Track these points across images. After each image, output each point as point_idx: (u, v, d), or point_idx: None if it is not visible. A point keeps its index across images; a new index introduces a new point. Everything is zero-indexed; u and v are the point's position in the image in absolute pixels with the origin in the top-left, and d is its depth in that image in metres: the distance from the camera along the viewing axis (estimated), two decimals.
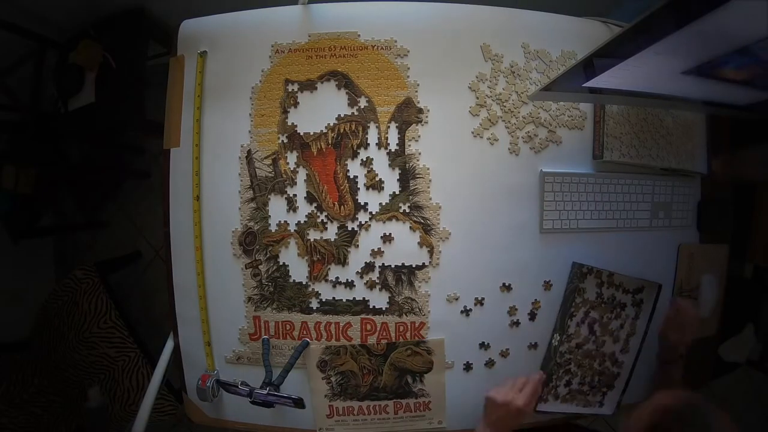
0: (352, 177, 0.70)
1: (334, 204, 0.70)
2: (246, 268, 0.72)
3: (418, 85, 0.70)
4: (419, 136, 0.70)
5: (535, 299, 0.73)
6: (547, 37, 0.73)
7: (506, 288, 0.72)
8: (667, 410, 0.50)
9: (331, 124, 0.70)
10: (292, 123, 0.71)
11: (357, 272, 0.71)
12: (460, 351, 0.73)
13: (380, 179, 0.70)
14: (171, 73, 0.76)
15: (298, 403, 0.62)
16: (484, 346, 0.73)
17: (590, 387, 0.77)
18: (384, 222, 0.70)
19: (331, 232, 0.71)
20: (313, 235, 0.71)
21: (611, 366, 0.77)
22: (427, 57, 0.70)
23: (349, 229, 0.70)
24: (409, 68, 0.70)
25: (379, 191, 0.70)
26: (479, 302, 0.72)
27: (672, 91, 0.62)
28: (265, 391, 0.59)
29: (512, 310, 0.73)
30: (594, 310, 0.74)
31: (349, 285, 0.71)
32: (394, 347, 0.72)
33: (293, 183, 0.71)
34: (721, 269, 0.82)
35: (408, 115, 0.70)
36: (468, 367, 0.73)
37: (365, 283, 0.71)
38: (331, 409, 0.74)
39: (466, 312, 0.72)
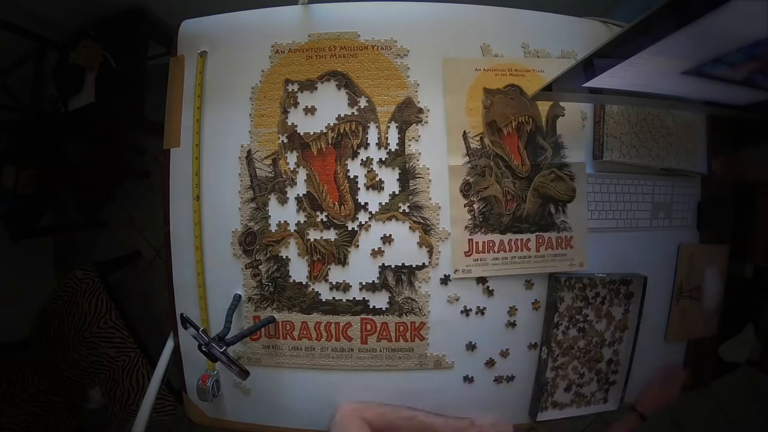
0: (352, 177, 0.70)
1: (334, 204, 0.70)
2: (246, 268, 0.72)
3: (418, 85, 0.70)
4: (419, 136, 0.70)
5: (535, 299, 0.73)
6: (547, 37, 0.73)
7: (505, 288, 0.72)
8: None
9: (331, 124, 0.70)
10: (292, 123, 0.71)
11: (357, 272, 0.71)
12: (460, 350, 0.73)
13: (380, 179, 0.70)
14: (171, 73, 0.76)
15: (243, 374, 0.62)
16: (484, 346, 0.73)
17: (590, 386, 0.77)
18: (384, 222, 0.70)
19: (331, 232, 0.71)
20: (313, 235, 0.71)
21: (608, 362, 0.77)
22: (427, 57, 0.70)
23: (350, 229, 0.71)
24: (409, 68, 0.70)
25: (379, 191, 0.70)
26: (479, 302, 0.72)
27: (672, 91, 0.62)
28: (221, 349, 0.60)
29: (512, 310, 0.73)
30: (579, 313, 0.74)
31: (349, 285, 0.71)
32: (538, 169, 0.71)
33: (293, 183, 0.71)
34: (721, 269, 0.82)
35: (408, 115, 0.70)
36: (473, 362, 0.73)
37: (365, 283, 0.71)
38: (471, 245, 0.70)
39: (466, 312, 0.72)
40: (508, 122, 0.72)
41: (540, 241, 0.71)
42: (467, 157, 0.71)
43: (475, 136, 0.72)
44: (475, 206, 0.69)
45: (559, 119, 0.74)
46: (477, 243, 0.70)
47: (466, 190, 0.69)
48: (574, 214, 0.72)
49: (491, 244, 0.70)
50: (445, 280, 0.71)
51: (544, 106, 0.74)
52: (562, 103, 0.73)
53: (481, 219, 0.70)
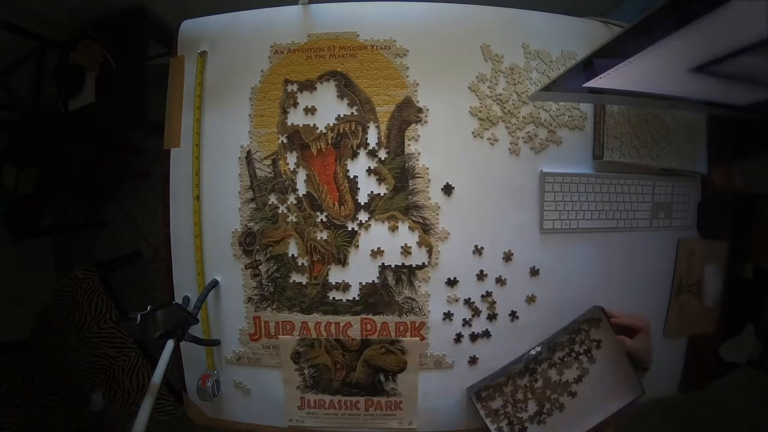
0: (351, 177, 0.70)
1: (334, 204, 0.70)
2: (246, 269, 0.72)
3: (417, 84, 0.70)
4: (419, 136, 0.70)
5: (535, 300, 0.73)
6: (548, 37, 0.73)
7: (505, 288, 0.72)
8: None
9: (331, 124, 0.70)
10: (292, 123, 0.71)
11: (357, 272, 0.71)
12: (460, 350, 0.73)
13: (380, 179, 0.70)
14: (171, 73, 0.76)
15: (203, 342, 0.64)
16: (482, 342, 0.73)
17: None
18: (383, 222, 0.70)
19: (332, 232, 0.71)
20: (313, 235, 0.71)
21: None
22: (426, 57, 0.70)
23: (349, 229, 0.70)
24: (408, 68, 0.70)
25: (378, 191, 0.70)
26: (479, 303, 0.72)
27: (673, 90, 0.62)
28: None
29: (512, 310, 0.73)
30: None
31: (349, 285, 0.71)
32: (368, 344, 0.72)
33: (293, 183, 0.71)
34: (721, 265, 0.82)
35: (408, 114, 0.70)
36: (473, 360, 0.73)
37: (365, 283, 0.71)
38: (303, 401, 0.74)
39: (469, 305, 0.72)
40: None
41: (369, 403, 0.74)
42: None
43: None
44: (306, 371, 0.73)
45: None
46: (309, 400, 0.74)
47: (296, 357, 0.73)
48: (405, 383, 0.73)
49: (322, 402, 0.74)
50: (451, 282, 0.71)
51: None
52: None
53: (311, 382, 0.73)
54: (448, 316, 0.72)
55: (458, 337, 0.72)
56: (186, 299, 0.74)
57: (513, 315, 0.73)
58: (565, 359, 0.72)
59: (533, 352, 0.72)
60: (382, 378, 0.73)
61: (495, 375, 0.72)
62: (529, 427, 0.72)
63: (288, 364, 0.73)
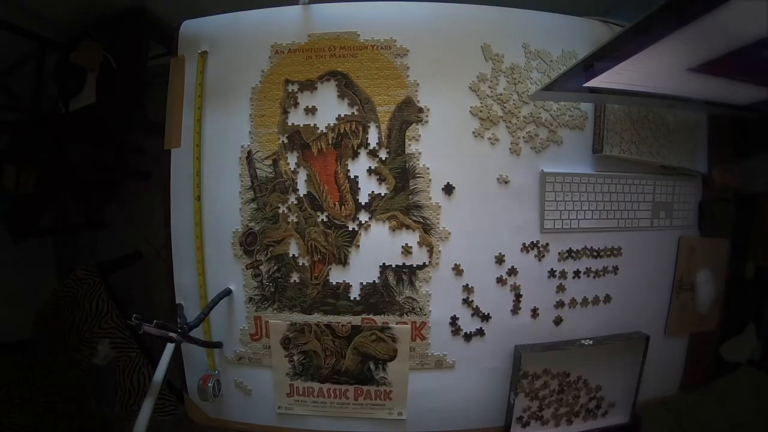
0: (352, 177, 0.70)
1: (335, 204, 0.70)
2: (247, 269, 0.72)
3: (418, 84, 0.70)
4: (419, 136, 0.70)
5: (536, 299, 0.73)
6: (548, 36, 0.73)
7: (506, 288, 0.72)
8: None
9: (331, 124, 0.70)
10: (293, 123, 0.71)
11: (358, 272, 0.71)
12: (461, 350, 0.73)
13: (380, 179, 0.70)
14: (172, 74, 0.76)
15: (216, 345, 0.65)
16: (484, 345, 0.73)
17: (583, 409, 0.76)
18: (384, 222, 0.70)
19: (332, 232, 0.71)
20: (313, 235, 0.71)
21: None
22: (427, 57, 0.70)
23: (350, 229, 0.70)
24: (408, 68, 0.70)
25: (379, 191, 0.70)
26: (479, 302, 0.72)
27: (673, 90, 0.62)
28: (179, 333, 0.60)
29: (513, 311, 0.73)
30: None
31: (350, 285, 0.71)
32: (358, 330, 0.72)
33: (294, 183, 0.71)
34: (722, 264, 0.82)
35: (408, 114, 0.70)
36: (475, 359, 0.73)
37: (365, 283, 0.71)
38: (292, 389, 0.74)
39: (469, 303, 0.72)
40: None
41: (358, 392, 0.74)
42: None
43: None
44: (295, 358, 0.72)
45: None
46: (297, 388, 0.74)
47: (285, 343, 0.72)
48: (395, 372, 0.72)
49: (310, 390, 0.74)
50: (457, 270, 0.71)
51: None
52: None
53: (300, 369, 0.73)
54: (449, 315, 0.72)
55: (459, 337, 0.72)
56: (180, 307, 0.73)
57: (513, 315, 0.73)
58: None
59: (585, 342, 0.71)
60: (372, 366, 0.73)
61: (548, 345, 0.72)
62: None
63: (278, 349, 0.73)
